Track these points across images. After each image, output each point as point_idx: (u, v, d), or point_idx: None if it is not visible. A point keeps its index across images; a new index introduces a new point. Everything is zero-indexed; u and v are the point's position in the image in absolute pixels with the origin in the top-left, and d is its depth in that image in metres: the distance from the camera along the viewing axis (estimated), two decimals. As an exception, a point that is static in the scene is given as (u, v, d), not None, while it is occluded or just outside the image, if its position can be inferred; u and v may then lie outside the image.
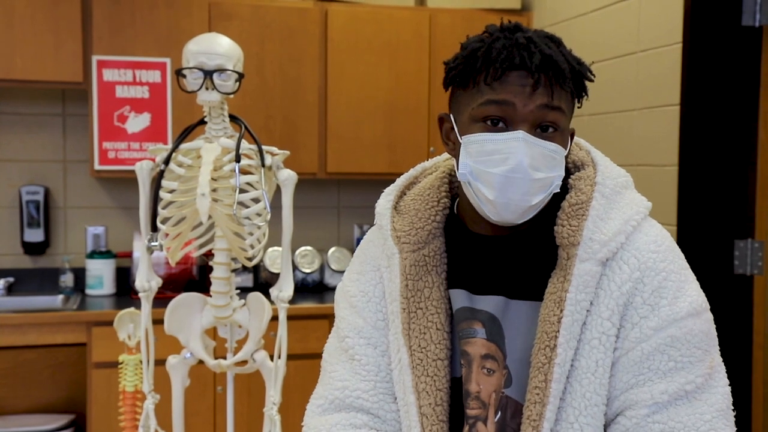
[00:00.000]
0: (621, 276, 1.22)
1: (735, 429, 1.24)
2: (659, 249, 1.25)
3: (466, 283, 1.32)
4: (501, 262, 1.30)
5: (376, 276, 1.38)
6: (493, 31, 1.25)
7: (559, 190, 1.25)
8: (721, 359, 1.26)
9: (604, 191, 1.27)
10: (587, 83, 1.27)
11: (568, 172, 1.32)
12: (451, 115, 1.29)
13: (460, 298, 1.32)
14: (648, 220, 1.29)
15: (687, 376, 1.20)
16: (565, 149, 1.25)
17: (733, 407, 1.24)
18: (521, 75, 1.20)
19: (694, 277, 1.28)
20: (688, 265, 1.28)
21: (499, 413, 1.27)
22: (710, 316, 1.26)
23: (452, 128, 1.29)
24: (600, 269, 1.22)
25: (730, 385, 1.25)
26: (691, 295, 1.24)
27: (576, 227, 1.24)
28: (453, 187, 1.39)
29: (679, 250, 1.29)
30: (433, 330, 1.30)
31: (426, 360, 1.28)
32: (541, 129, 1.21)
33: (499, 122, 1.21)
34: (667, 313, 1.21)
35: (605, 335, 1.21)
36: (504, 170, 1.20)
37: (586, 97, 1.27)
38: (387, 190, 1.41)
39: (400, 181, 1.42)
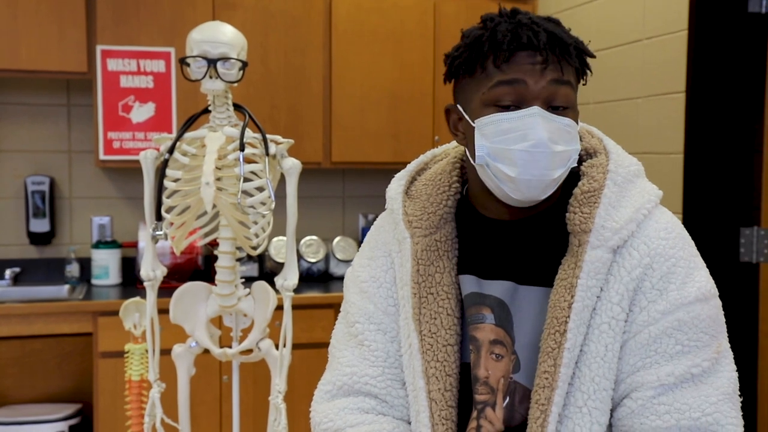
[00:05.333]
0: (631, 262, 1.23)
1: (741, 413, 1.24)
2: (669, 236, 1.25)
3: (475, 269, 1.32)
4: (511, 248, 1.31)
5: (387, 261, 1.38)
6: (493, 17, 1.27)
7: (576, 165, 1.26)
8: (728, 345, 1.27)
9: (617, 179, 1.27)
10: (592, 67, 1.29)
11: (581, 160, 1.33)
12: (458, 105, 1.30)
13: (469, 283, 1.32)
14: (659, 208, 1.30)
15: (693, 360, 1.21)
16: (576, 125, 1.26)
17: (739, 393, 1.25)
18: (529, 54, 1.21)
19: (704, 264, 1.28)
20: (698, 253, 1.29)
21: (508, 398, 1.28)
22: (719, 303, 1.27)
23: (460, 118, 1.30)
24: (611, 256, 1.23)
25: (736, 371, 1.25)
26: (700, 281, 1.24)
27: (588, 214, 1.24)
28: (464, 173, 1.39)
29: (690, 237, 1.30)
30: (443, 315, 1.30)
31: (436, 345, 1.29)
32: (553, 108, 1.23)
33: (510, 106, 1.22)
34: (675, 297, 1.22)
35: (615, 320, 1.22)
36: (526, 146, 1.21)
37: (590, 73, 1.29)
38: (398, 175, 1.42)
39: (411, 167, 1.43)
